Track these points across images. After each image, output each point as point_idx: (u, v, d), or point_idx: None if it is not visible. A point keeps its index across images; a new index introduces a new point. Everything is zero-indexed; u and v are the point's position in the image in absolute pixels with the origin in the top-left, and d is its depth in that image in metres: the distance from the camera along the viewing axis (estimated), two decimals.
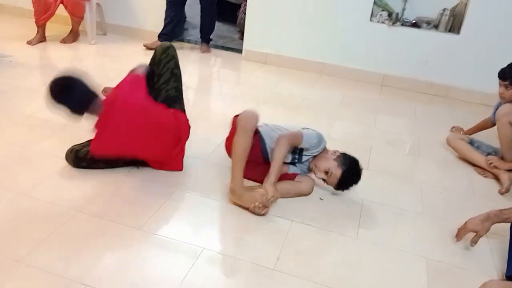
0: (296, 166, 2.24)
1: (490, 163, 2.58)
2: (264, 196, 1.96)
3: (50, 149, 2.34)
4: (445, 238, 1.99)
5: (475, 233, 1.86)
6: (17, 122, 2.62)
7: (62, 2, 4.06)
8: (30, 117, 2.68)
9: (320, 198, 2.18)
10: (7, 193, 1.94)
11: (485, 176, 2.60)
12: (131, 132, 1.98)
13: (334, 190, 2.21)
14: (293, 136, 2.13)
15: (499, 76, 2.61)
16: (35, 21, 4.08)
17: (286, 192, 2.11)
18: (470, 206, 2.28)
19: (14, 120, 2.64)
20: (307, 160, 2.22)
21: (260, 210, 1.94)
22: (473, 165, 2.69)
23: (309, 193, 2.18)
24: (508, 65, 2.61)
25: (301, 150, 2.19)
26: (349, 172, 2.11)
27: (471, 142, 2.79)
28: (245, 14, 4.50)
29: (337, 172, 2.09)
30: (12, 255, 1.59)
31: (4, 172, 2.11)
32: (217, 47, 4.73)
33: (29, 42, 4.08)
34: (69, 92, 1.89)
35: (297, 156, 2.21)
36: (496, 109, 2.77)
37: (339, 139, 2.91)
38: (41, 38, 4.15)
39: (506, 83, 2.56)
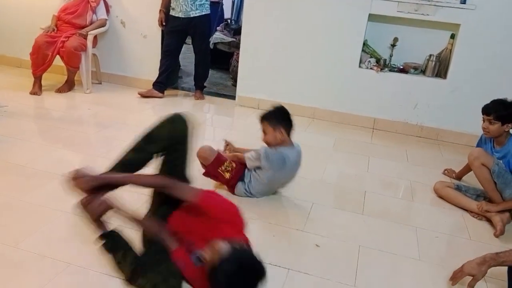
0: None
1: (481, 208, 2.59)
2: None
3: (41, 200, 2.32)
4: (443, 284, 1.96)
5: (472, 277, 1.84)
6: (9, 172, 2.61)
7: (58, 53, 4.16)
8: (22, 167, 2.67)
9: (316, 245, 2.16)
10: None
11: (479, 219, 2.60)
12: None
13: (331, 236, 2.20)
14: None
15: (483, 112, 2.68)
16: (33, 72, 4.16)
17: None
18: (466, 249, 2.26)
19: (5, 170, 2.63)
20: None
21: None
22: (465, 209, 2.70)
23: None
24: (492, 101, 2.68)
25: None
26: None
27: (458, 188, 2.81)
28: (237, 61, 4.62)
29: None
30: None
31: None
32: (210, 93, 4.82)
33: (34, 93, 4.15)
34: None
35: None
36: (478, 145, 2.85)
37: (333, 183, 2.93)
38: (40, 87, 4.22)
39: (490, 118, 2.62)
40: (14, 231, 2.03)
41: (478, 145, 2.89)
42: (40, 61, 4.12)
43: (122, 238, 1.70)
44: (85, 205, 1.63)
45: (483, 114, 2.68)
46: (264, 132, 2.50)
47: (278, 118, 2.50)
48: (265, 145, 2.53)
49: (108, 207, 1.65)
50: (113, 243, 1.67)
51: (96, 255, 1.89)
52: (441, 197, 2.83)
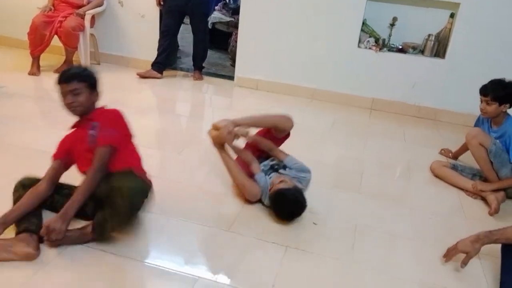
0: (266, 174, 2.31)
1: (475, 188, 2.63)
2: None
3: None
4: (438, 261, 2.00)
5: (465, 254, 1.89)
6: (9, 153, 2.62)
7: (56, 33, 4.13)
8: (23, 148, 2.69)
9: (314, 223, 2.20)
10: None
11: (475, 198, 2.64)
12: None
13: (328, 215, 2.25)
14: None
15: (480, 92, 2.68)
16: (31, 52, 4.15)
17: (232, 169, 2.29)
18: (461, 228, 2.31)
19: (5, 151, 2.64)
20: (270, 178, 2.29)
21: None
22: (461, 189, 2.74)
23: (248, 194, 2.24)
24: (489, 81, 2.68)
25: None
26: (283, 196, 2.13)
27: (455, 167, 2.84)
28: (236, 42, 4.60)
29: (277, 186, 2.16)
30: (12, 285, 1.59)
31: None
32: (209, 74, 4.82)
33: (32, 73, 4.14)
34: None
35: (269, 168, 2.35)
36: (476, 125, 2.87)
37: (331, 164, 2.96)
38: (38, 68, 4.20)
39: (488, 98, 2.62)
40: None
41: (475, 125, 2.91)
42: (38, 41, 4.10)
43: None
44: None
45: (480, 94, 2.68)
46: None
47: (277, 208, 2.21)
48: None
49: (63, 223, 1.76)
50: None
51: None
52: (437, 176, 2.87)
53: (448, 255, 1.94)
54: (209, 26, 5.24)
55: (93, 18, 4.43)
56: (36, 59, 4.18)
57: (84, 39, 4.30)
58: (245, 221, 2.16)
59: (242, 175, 2.28)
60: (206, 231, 2.06)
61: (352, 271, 1.89)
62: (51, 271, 1.69)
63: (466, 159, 3.03)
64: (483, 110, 2.69)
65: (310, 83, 4.29)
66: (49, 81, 4.11)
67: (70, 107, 1.90)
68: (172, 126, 3.42)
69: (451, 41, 3.89)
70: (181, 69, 4.92)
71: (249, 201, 2.29)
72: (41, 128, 3.06)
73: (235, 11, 5.54)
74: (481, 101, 2.69)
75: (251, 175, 2.30)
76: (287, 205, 2.15)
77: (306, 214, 2.27)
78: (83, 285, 1.65)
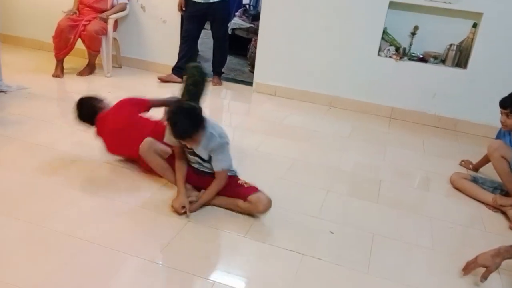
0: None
1: (495, 202, 2.58)
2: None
3: (63, 180, 2.39)
4: (456, 274, 1.97)
5: (485, 269, 1.85)
6: (32, 153, 2.68)
7: (80, 37, 4.22)
8: (45, 148, 2.75)
9: (331, 232, 2.20)
10: (19, 223, 1.99)
11: (495, 211, 2.60)
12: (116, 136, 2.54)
13: (345, 224, 2.24)
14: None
15: (500, 105, 2.65)
16: (55, 55, 4.24)
17: (234, 205, 2.24)
18: (481, 241, 2.27)
19: (29, 151, 2.71)
20: None
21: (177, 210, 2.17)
22: (481, 202, 2.69)
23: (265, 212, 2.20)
24: (509, 94, 2.65)
25: None
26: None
27: (475, 180, 2.79)
28: (255, 48, 4.62)
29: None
30: (25, 286, 1.62)
31: (17, 202, 2.15)
32: (228, 79, 4.85)
33: (56, 75, 4.24)
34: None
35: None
36: (497, 137, 2.83)
37: (349, 172, 2.95)
38: (62, 70, 4.30)
39: (507, 111, 2.60)
40: (38, 209, 2.11)
41: (497, 138, 2.87)
42: (62, 45, 4.19)
43: None
44: None
45: (500, 107, 2.65)
46: None
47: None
48: None
49: None
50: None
51: (115, 235, 1.97)
52: (457, 188, 2.82)
53: (467, 268, 1.91)
54: (229, 32, 5.28)
55: (116, 22, 4.51)
56: (60, 61, 4.27)
57: (106, 42, 4.37)
58: (262, 228, 2.16)
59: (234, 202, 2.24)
60: (223, 236, 2.07)
61: (368, 281, 1.87)
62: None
63: (488, 171, 2.98)
64: (503, 123, 2.66)
65: (328, 91, 4.28)
66: (72, 83, 4.20)
67: None
68: None
69: (473, 51, 3.84)
70: None
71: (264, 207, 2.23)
72: (64, 129, 3.11)
73: (255, 18, 5.58)
74: (501, 114, 2.65)
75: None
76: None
77: (323, 222, 2.27)
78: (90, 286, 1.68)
